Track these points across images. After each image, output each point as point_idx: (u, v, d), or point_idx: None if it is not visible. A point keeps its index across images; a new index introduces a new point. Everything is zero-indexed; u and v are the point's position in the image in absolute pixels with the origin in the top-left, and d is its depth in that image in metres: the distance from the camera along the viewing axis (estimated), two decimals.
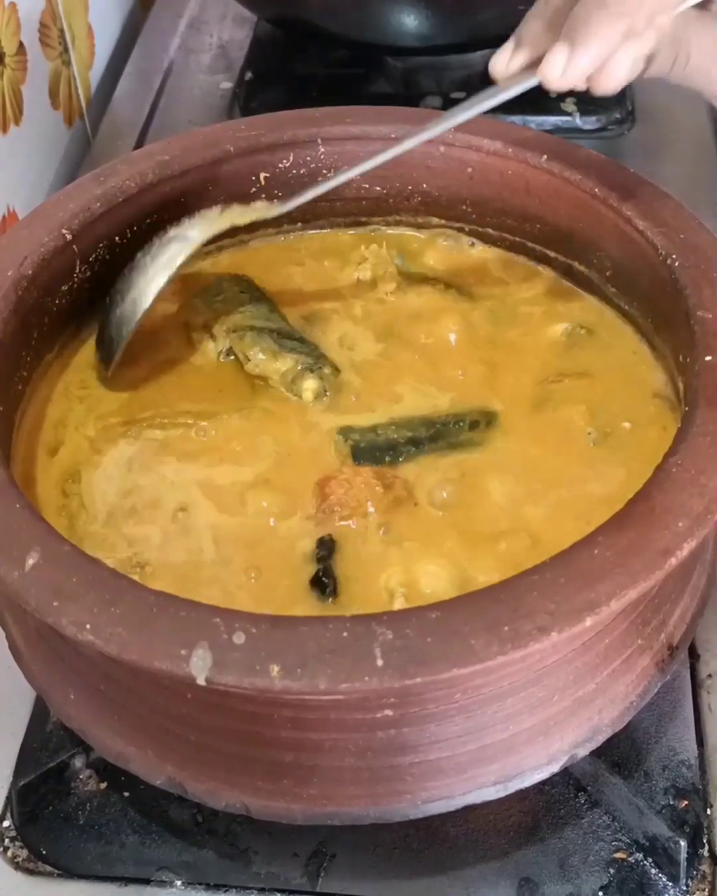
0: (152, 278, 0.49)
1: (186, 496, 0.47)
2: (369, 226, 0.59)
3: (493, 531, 0.45)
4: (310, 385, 0.50)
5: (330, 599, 0.43)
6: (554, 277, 0.56)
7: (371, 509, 0.45)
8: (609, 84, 0.40)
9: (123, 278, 0.50)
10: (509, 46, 0.43)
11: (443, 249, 0.58)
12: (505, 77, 0.43)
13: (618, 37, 0.39)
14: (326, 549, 0.44)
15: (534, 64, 0.41)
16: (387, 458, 0.48)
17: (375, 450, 0.48)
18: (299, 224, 0.59)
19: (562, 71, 0.39)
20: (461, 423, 0.49)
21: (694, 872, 0.46)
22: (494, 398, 0.50)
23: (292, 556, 0.44)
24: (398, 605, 0.42)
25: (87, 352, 0.53)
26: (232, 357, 0.52)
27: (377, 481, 0.46)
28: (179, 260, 0.49)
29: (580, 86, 0.40)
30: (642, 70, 0.41)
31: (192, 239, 0.50)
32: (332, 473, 0.47)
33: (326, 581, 0.43)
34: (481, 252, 0.58)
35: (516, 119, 0.79)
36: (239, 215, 0.51)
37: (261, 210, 0.52)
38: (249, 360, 0.51)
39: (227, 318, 0.53)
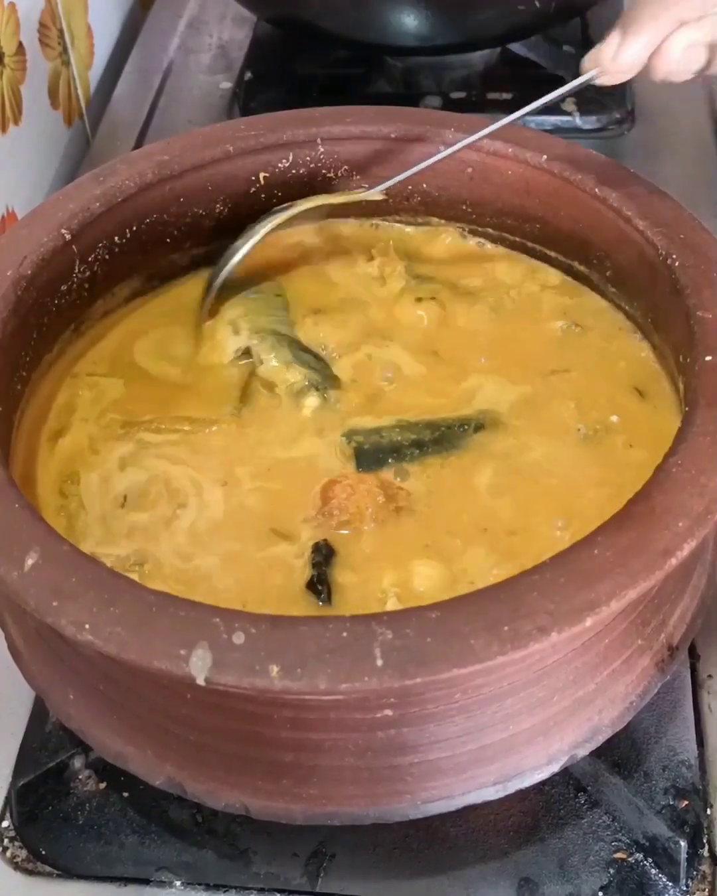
0: (248, 239, 0.54)
1: (184, 497, 0.47)
2: (372, 220, 0.59)
3: (494, 533, 0.45)
4: (311, 402, 0.50)
5: (323, 603, 0.43)
6: (558, 275, 0.56)
7: (370, 516, 0.45)
8: (664, 68, 0.43)
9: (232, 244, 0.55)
10: (614, 37, 0.45)
11: (449, 248, 0.58)
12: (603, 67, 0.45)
13: (668, 24, 0.42)
14: (322, 554, 0.44)
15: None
16: (390, 460, 0.47)
17: (378, 452, 0.48)
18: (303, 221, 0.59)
19: (612, 56, 0.43)
20: (466, 426, 0.49)
21: (694, 873, 0.46)
22: (497, 399, 0.50)
23: (289, 560, 0.44)
24: (391, 605, 0.42)
25: (89, 352, 0.53)
26: (247, 356, 0.53)
27: (380, 491, 0.46)
28: (272, 224, 0.54)
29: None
30: (706, 62, 0.43)
31: (287, 211, 0.54)
32: (337, 478, 0.47)
33: (320, 588, 0.43)
34: (485, 250, 0.58)
35: None
36: (334, 197, 0.56)
37: (358, 192, 0.56)
38: (263, 364, 0.52)
39: (256, 317, 0.53)
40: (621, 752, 0.48)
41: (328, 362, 0.53)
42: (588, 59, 0.45)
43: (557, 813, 0.47)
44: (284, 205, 0.55)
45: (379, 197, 0.55)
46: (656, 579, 0.36)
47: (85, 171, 0.61)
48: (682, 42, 0.42)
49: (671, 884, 0.45)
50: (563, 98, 0.48)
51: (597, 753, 0.45)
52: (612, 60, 0.43)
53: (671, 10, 0.42)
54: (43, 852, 0.48)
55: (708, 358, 0.43)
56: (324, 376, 0.51)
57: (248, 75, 0.87)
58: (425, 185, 0.56)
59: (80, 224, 0.50)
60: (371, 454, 0.48)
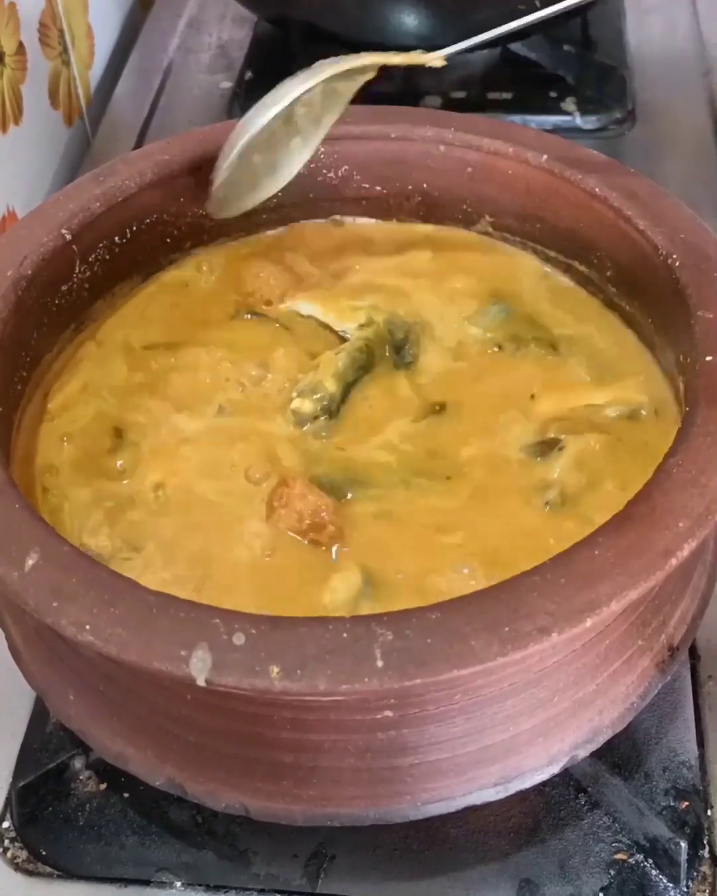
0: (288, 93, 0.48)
1: (162, 475, 0.47)
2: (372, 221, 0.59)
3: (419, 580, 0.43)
4: (306, 405, 0.49)
5: None
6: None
7: (302, 529, 0.44)
8: None
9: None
10: None
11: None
12: None
13: None
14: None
15: None
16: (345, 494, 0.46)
17: (333, 485, 0.46)
18: (302, 223, 0.59)
19: None
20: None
21: (695, 874, 0.46)
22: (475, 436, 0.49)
23: (251, 547, 0.44)
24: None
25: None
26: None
27: (313, 515, 0.44)
28: (320, 77, 0.48)
29: None
30: None
31: (337, 64, 0.48)
32: (288, 481, 0.45)
33: None
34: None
35: (516, 119, 0.79)
36: (390, 57, 0.49)
37: (417, 55, 0.49)
38: (333, 351, 0.51)
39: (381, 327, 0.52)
40: (621, 753, 0.48)
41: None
42: None
43: (557, 814, 0.47)
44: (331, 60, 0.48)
45: (439, 63, 0.49)
46: (656, 580, 0.36)
47: (85, 171, 0.61)
48: None
49: (671, 885, 0.45)
50: None
51: (598, 754, 0.45)
52: None
53: None
54: (43, 853, 0.48)
55: (708, 358, 0.43)
56: (341, 401, 0.50)
57: (248, 75, 0.87)
58: (425, 185, 0.56)
59: (80, 224, 0.50)
60: (325, 483, 0.46)
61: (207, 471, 0.47)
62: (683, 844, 0.46)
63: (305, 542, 0.44)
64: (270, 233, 0.58)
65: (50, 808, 0.48)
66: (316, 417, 0.49)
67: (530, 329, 0.53)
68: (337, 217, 0.58)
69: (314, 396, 0.49)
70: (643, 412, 0.48)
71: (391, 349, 0.52)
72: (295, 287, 0.55)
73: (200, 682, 0.34)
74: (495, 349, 0.52)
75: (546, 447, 0.47)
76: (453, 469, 0.47)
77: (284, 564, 0.44)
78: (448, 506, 0.46)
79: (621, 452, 0.47)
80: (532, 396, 0.50)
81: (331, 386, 0.49)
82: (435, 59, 0.49)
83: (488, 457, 0.47)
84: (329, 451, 0.48)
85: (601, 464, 0.46)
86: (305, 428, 0.49)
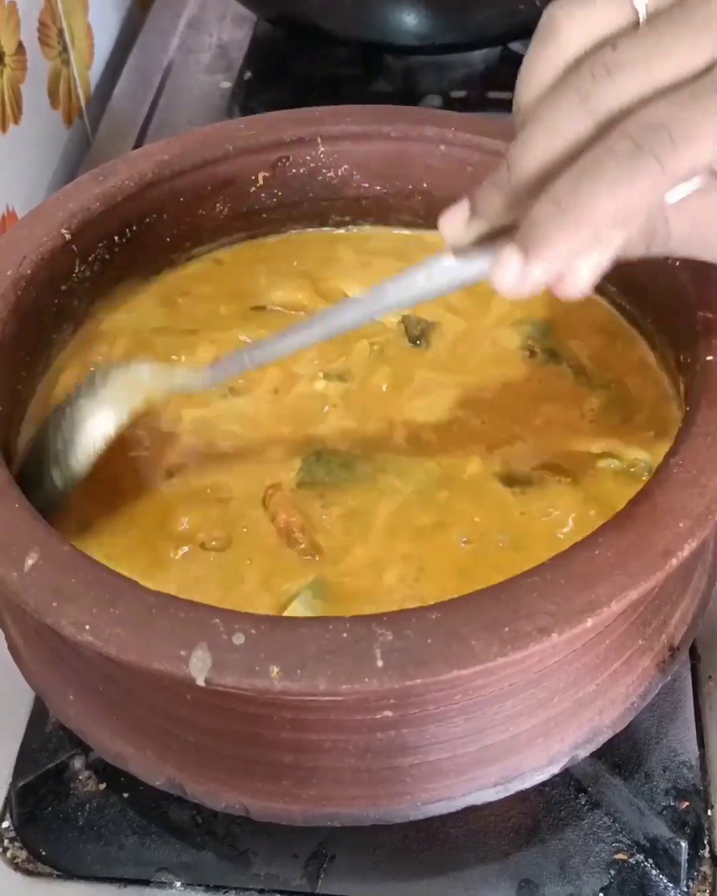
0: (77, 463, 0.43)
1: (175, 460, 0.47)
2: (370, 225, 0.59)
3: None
4: (331, 388, 0.50)
5: None
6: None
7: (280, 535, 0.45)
8: (571, 292, 0.35)
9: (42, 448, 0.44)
10: (463, 209, 0.36)
11: None
12: (457, 245, 0.37)
13: (580, 246, 0.33)
14: None
15: (488, 237, 0.36)
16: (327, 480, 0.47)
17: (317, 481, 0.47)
18: (302, 224, 0.59)
19: (515, 282, 0.34)
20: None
21: (695, 874, 0.46)
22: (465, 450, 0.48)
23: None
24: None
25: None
26: None
27: (284, 526, 0.45)
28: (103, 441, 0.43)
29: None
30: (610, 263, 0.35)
31: (111, 420, 0.43)
32: (276, 489, 0.46)
33: None
34: None
35: None
36: (164, 381, 0.44)
37: (187, 380, 0.44)
38: (368, 341, 0.52)
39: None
40: (621, 753, 0.48)
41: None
42: (452, 231, 0.36)
43: (557, 814, 0.47)
44: (91, 400, 0.43)
45: (205, 387, 0.44)
46: (656, 580, 0.36)
47: (85, 171, 0.60)
48: (591, 265, 0.34)
49: (671, 885, 0.45)
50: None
51: (598, 754, 0.45)
52: (513, 289, 0.34)
53: (584, 231, 0.32)
54: (43, 853, 0.47)
55: (709, 358, 0.43)
56: (354, 388, 0.51)
57: (248, 75, 0.87)
58: (425, 185, 0.56)
59: (80, 224, 0.50)
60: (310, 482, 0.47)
61: (217, 458, 0.47)
62: (683, 844, 0.45)
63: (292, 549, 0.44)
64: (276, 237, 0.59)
65: (50, 808, 0.48)
66: (336, 403, 0.49)
67: (568, 353, 0.52)
68: (337, 217, 0.59)
69: (341, 382, 0.50)
70: (643, 472, 0.46)
71: (423, 343, 0.53)
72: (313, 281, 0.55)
73: (200, 682, 0.34)
74: (527, 354, 0.52)
75: (522, 482, 0.46)
76: (454, 473, 0.47)
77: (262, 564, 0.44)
78: (420, 513, 0.45)
79: (598, 513, 0.45)
80: (538, 423, 0.49)
81: (359, 373, 0.51)
82: (208, 384, 0.44)
83: (474, 471, 0.47)
84: (338, 441, 0.48)
85: (568, 516, 0.45)
86: (323, 411, 0.49)
